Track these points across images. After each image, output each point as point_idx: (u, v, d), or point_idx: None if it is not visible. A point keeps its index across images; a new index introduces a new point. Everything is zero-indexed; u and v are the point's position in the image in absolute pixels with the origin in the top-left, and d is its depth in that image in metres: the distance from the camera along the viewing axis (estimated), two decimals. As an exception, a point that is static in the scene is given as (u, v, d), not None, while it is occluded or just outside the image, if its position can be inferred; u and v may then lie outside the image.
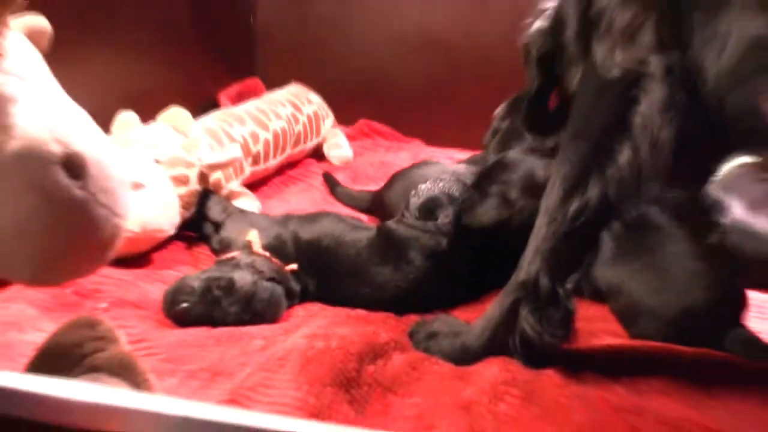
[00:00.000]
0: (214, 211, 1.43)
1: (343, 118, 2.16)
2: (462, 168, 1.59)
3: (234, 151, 1.55)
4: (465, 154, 1.98)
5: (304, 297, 1.24)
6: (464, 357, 1.06)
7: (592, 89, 1.00)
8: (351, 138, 2.13)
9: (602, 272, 1.20)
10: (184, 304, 1.12)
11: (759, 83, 0.87)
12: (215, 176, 1.51)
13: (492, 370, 1.03)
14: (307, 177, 1.91)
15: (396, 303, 1.21)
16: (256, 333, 1.10)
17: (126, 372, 0.78)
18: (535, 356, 1.03)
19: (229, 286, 1.14)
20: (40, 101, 0.68)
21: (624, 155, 0.95)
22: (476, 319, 1.10)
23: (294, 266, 1.24)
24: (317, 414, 0.89)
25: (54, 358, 0.78)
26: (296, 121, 1.90)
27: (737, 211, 1.39)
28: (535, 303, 1.02)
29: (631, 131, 0.94)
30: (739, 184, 1.44)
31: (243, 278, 1.15)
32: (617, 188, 0.96)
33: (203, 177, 1.47)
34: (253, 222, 1.37)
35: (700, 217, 1.18)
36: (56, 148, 0.66)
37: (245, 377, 0.96)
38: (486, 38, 2.08)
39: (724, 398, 1.01)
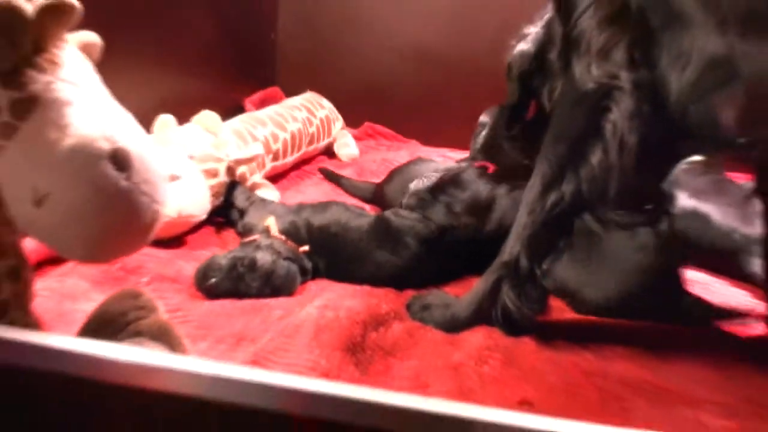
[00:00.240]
0: (240, 199, 1.43)
1: (351, 121, 2.15)
2: (450, 165, 1.59)
3: (257, 149, 1.55)
4: (455, 153, 1.99)
5: (316, 274, 1.23)
6: (454, 326, 1.06)
7: (571, 99, 1.00)
8: (357, 138, 2.13)
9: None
10: (213, 279, 1.12)
11: (715, 97, 0.88)
12: (241, 170, 1.51)
13: (477, 337, 1.03)
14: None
15: (394, 280, 1.21)
16: (275, 304, 1.10)
17: (164, 337, 0.78)
18: (514, 326, 1.03)
19: (252, 265, 1.13)
20: (92, 104, 0.68)
21: (596, 156, 0.95)
22: (464, 294, 1.10)
23: (306, 248, 1.23)
24: (327, 374, 0.90)
25: (102, 325, 0.78)
26: (310, 123, 1.89)
27: (683, 199, 1.40)
28: (515, 281, 1.02)
29: (603, 136, 0.94)
30: (687, 179, 1.44)
31: (263, 258, 1.15)
32: (589, 184, 0.96)
33: (230, 170, 1.47)
34: (272, 210, 1.37)
35: (630, 225, 1.17)
36: (105, 145, 0.65)
37: (266, 342, 0.96)
38: (473, 54, 2.08)
39: (675, 361, 1.01)
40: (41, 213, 0.64)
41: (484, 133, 1.53)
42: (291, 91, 2.11)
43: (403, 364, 0.96)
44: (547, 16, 1.20)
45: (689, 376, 0.97)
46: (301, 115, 1.87)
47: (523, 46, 1.22)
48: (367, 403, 0.50)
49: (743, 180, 1.55)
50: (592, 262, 1.14)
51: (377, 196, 1.62)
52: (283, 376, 0.52)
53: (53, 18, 0.65)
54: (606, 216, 1.09)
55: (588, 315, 1.14)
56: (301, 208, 1.35)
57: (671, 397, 0.92)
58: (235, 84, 2.11)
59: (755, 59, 0.84)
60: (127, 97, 0.75)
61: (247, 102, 2.09)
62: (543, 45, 1.16)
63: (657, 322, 1.12)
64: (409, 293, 1.17)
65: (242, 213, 1.41)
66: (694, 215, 1.37)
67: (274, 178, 1.74)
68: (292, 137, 1.78)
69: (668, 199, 1.44)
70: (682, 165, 1.46)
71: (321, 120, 1.95)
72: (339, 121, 2.06)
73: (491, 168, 1.48)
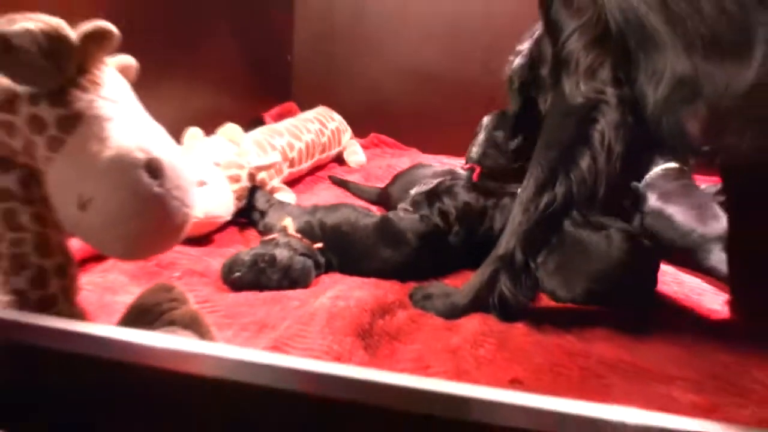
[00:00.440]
0: (260, 202, 1.43)
1: (358, 131, 2.15)
2: (445, 169, 1.59)
3: (275, 157, 1.55)
4: (450, 159, 2.00)
5: (329, 268, 1.23)
6: (453, 313, 1.06)
7: (561, 111, 1.00)
8: (364, 147, 2.12)
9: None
10: (238, 273, 1.12)
11: (683, 111, 0.89)
12: (261, 176, 1.50)
13: (473, 323, 1.02)
14: (331, 177, 1.91)
15: (398, 273, 1.20)
16: (293, 295, 1.10)
17: (194, 325, 0.78)
18: (509, 312, 1.04)
19: (272, 260, 1.13)
20: (129, 119, 0.68)
21: (585, 161, 0.96)
22: (462, 284, 1.10)
23: (320, 245, 1.23)
24: (339, 357, 0.89)
25: (139, 315, 0.78)
26: (322, 134, 1.89)
27: (653, 200, 1.41)
28: (511, 272, 1.03)
29: (592, 144, 0.95)
30: (660, 182, 1.44)
31: (282, 254, 1.15)
32: (579, 187, 0.97)
33: (252, 176, 1.46)
34: (289, 211, 1.36)
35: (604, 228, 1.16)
36: (140, 155, 0.65)
37: (285, 329, 0.96)
38: (467, 72, 2.09)
39: (650, 342, 1.01)
40: (85, 216, 0.64)
41: (481, 136, 1.53)
42: (305, 106, 2.11)
43: (406, 348, 0.96)
44: (536, 34, 1.21)
45: (662, 355, 0.97)
46: (314, 126, 1.87)
47: (521, 60, 1.24)
48: (375, 383, 0.50)
49: (708, 183, 1.56)
50: (572, 261, 1.13)
51: (383, 198, 1.61)
52: (300, 360, 0.52)
53: (95, 43, 0.66)
54: (586, 218, 1.09)
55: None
56: (315, 209, 1.34)
57: (646, 374, 0.92)
58: (255, 100, 2.12)
59: (715, 79, 0.85)
60: (160, 112, 0.75)
61: (266, 116, 2.09)
62: (535, 60, 1.17)
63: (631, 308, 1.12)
64: (412, 285, 1.17)
65: (263, 214, 1.40)
66: (661, 215, 1.38)
67: (291, 182, 1.73)
68: (307, 146, 1.78)
69: (641, 199, 1.45)
70: (659, 170, 1.46)
71: (332, 131, 1.94)
72: (348, 132, 2.05)
73: (477, 171, 1.48)
